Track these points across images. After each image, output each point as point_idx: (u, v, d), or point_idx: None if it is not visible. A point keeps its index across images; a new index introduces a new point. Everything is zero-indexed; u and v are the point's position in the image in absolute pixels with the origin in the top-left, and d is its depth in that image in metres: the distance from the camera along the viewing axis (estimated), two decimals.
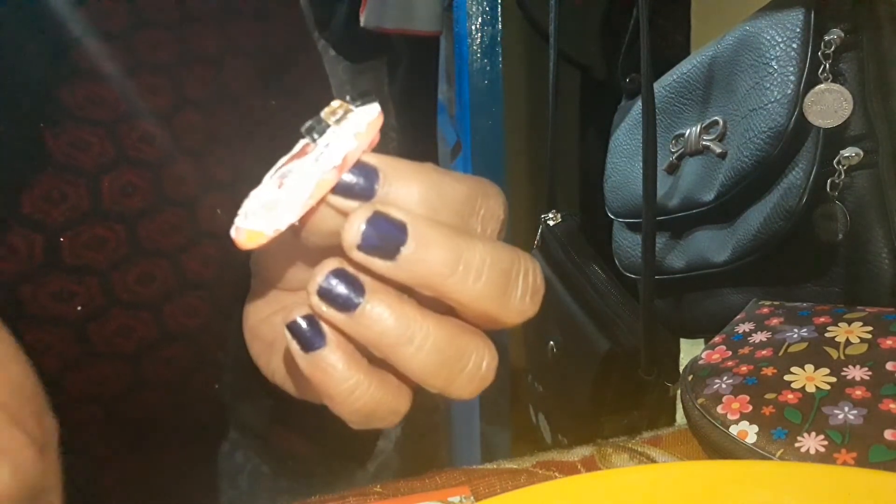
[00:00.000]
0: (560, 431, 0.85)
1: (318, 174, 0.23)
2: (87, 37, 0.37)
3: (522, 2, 1.02)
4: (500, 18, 1.00)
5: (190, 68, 0.40)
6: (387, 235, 0.23)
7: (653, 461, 0.38)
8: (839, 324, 0.39)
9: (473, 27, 1.00)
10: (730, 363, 0.40)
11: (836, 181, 0.48)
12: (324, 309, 0.24)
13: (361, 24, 1.20)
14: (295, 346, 0.25)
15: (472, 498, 0.35)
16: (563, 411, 0.84)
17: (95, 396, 0.40)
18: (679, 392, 0.42)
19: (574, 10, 0.93)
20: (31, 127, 0.37)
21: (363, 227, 0.23)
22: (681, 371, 0.44)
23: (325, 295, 0.24)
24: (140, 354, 0.40)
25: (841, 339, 0.38)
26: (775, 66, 0.50)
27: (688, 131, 0.59)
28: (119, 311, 0.39)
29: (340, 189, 0.23)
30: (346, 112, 0.24)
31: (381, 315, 0.24)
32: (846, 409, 0.34)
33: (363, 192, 0.24)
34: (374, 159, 0.24)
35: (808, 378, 0.36)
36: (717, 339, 0.43)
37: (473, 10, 1.00)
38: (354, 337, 0.24)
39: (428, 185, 0.24)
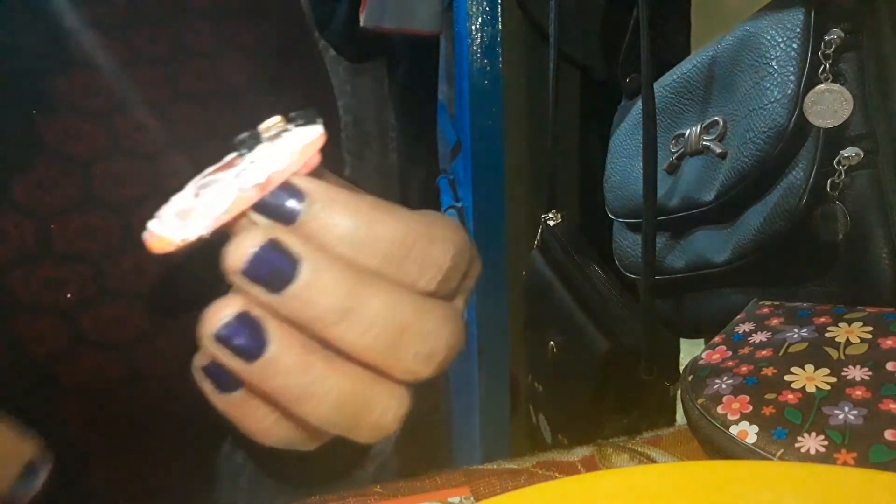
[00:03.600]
0: (560, 431, 0.85)
1: (237, 190, 0.22)
2: (83, 27, 0.38)
3: (522, 2, 1.02)
4: (500, 18, 1.00)
5: (185, 61, 0.41)
6: (276, 267, 0.21)
7: (653, 461, 0.38)
8: (839, 324, 0.39)
9: (473, 27, 1.00)
10: (730, 363, 0.40)
11: (836, 181, 0.48)
12: (221, 357, 0.22)
13: (361, 24, 1.20)
14: (208, 387, 0.24)
15: (472, 498, 0.35)
16: (563, 411, 0.84)
17: (88, 388, 0.40)
18: (679, 392, 0.42)
19: (574, 10, 0.93)
20: (24, 114, 0.37)
21: (251, 252, 0.21)
22: (681, 371, 0.44)
23: (225, 342, 0.22)
24: (133, 345, 0.40)
25: (841, 339, 0.38)
26: (775, 66, 0.50)
27: (688, 131, 0.59)
28: (111, 301, 0.39)
29: (261, 208, 0.22)
30: (282, 130, 0.23)
31: (282, 369, 0.22)
32: (846, 409, 0.34)
33: (284, 215, 0.22)
34: (304, 183, 0.22)
35: (809, 378, 0.36)
36: (717, 339, 0.43)
37: (473, 10, 1.00)
38: (253, 386, 0.23)
39: (357, 220, 0.23)
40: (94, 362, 0.39)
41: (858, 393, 0.35)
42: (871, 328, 0.38)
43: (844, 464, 0.32)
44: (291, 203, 0.22)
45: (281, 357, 0.22)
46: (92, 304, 0.38)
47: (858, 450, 0.32)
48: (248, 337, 0.22)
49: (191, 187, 0.24)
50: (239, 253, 0.22)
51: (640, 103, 0.60)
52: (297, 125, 0.24)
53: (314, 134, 0.23)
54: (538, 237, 0.88)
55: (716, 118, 0.57)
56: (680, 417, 0.75)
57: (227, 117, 0.42)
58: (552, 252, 0.84)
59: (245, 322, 0.22)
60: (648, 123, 0.57)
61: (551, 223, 0.85)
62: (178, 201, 0.23)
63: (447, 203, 1.15)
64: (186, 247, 0.22)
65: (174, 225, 0.22)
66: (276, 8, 0.46)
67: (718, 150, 0.55)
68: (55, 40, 0.38)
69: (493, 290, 1.06)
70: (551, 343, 0.83)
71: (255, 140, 0.23)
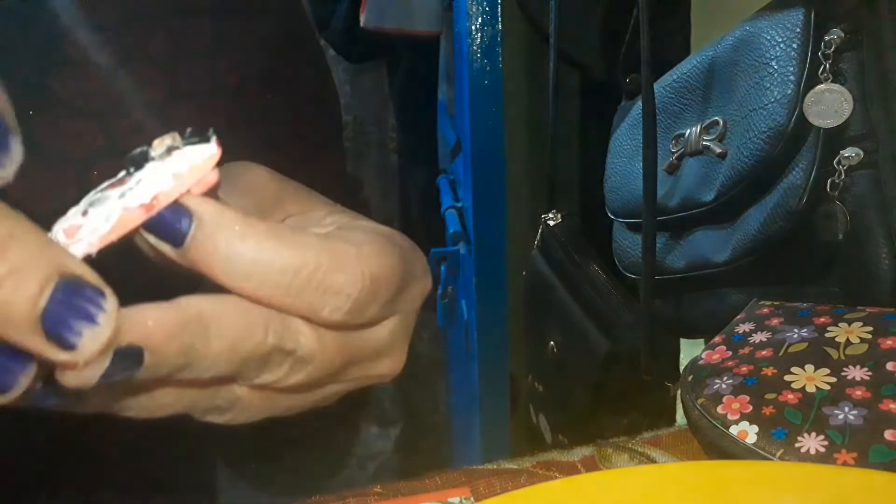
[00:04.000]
0: (560, 431, 0.85)
1: (123, 210, 0.21)
2: (78, 28, 0.37)
3: (522, 2, 1.02)
4: (500, 18, 1.00)
5: (182, 61, 0.40)
6: (123, 370, 0.20)
7: (653, 461, 0.38)
8: (839, 324, 0.39)
9: (473, 27, 1.00)
10: (730, 363, 0.40)
11: (837, 181, 0.48)
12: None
13: (361, 24, 1.20)
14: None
15: (471, 498, 0.35)
16: (563, 411, 0.84)
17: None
18: (679, 392, 0.42)
19: (574, 10, 0.93)
20: (20, 115, 0.37)
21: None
22: (681, 371, 0.44)
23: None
24: None
25: (841, 339, 0.38)
26: (775, 66, 0.50)
27: (688, 131, 0.59)
28: None
29: (150, 228, 0.22)
30: (173, 148, 0.23)
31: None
32: (846, 409, 0.34)
33: (172, 237, 0.22)
34: (194, 204, 0.22)
35: (809, 378, 0.36)
36: (717, 339, 0.43)
37: (473, 10, 1.00)
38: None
39: (246, 246, 0.22)
40: None
41: (858, 393, 0.35)
42: (871, 328, 0.38)
43: (844, 464, 0.32)
44: (179, 224, 0.22)
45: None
46: None
47: (858, 450, 0.32)
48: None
49: (83, 203, 0.23)
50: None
51: (640, 103, 0.60)
52: (190, 143, 0.23)
53: (207, 153, 0.22)
54: (538, 237, 0.88)
55: (716, 118, 0.57)
56: (680, 417, 0.75)
57: (226, 116, 0.42)
58: (552, 252, 0.84)
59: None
60: (648, 123, 0.57)
61: (551, 223, 0.85)
62: (68, 216, 0.23)
63: (447, 203, 1.15)
64: None
65: (62, 242, 0.22)
66: (275, 4, 0.46)
67: (718, 150, 0.55)
68: (51, 40, 0.37)
69: (493, 290, 1.06)
70: (551, 343, 0.83)
71: (145, 158, 0.23)
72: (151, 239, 0.22)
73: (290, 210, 0.28)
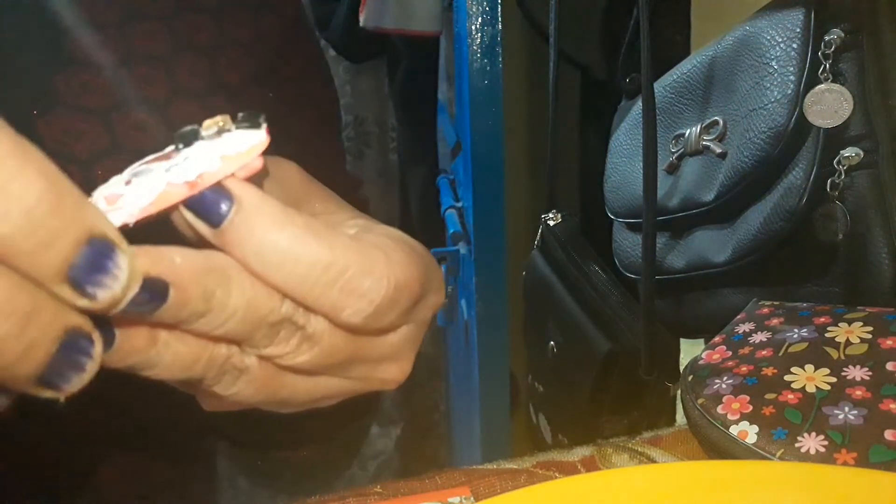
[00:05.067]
0: (560, 431, 0.85)
1: (165, 184, 0.22)
2: (81, 26, 0.37)
3: (522, 2, 1.02)
4: (500, 18, 1.00)
5: (184, 59, 0.40)
6: (149, 301, 0.21)
7: (653, 461, 0.38)
8: (839, 324, 0.39)
9: (473, 27, 1.00)
10: (730, 363, 0.40)
11: (836, 181, 0.48)
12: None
13: (361, 24, 1.20)
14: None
15: (472, 498, 0.35)
16: (563, 411, 0.84)
17: (86, 388, 0.40)
18: (679, 392, 0.42)
19: (574, 10, 0.93)
20: (23, 115, 0.37)
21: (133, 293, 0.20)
22: (681, 371, 0.44)
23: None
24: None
25: (841, 339, 0.38)
26: (775, 66, 0.50)
27: (688, 131, 0.59)
28: None
29: (190, 206, 0.22)
30: (224, 130, 0.23)
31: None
32: (846, 409, 0.34)
33: (210, 217, 0.22)
34: (236, 187, 0.22)
35: (809, 378, 0.36)
36: (717, 339, 0.43)
37: (473, 10, 1.00)
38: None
39: (281, 236, 0.22)
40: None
41: (858, 393, 0.35)
42: (871, 328, 0.38)
43: (844, 464, 0.32)
44: (219, 206, 0.22)
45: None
46: None
47: (858, 450, 0.32)
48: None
49: (127, 172, 0.23)
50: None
51: (640, 103, 0.60)
52: (241, 127, 0.23)
53: (256, 139, 0.23)
54: (538, 237, 0.88)
55: (716, 118, 0.57)
56: (680, 417, 0.75)
57: (227, 114, 0.42)
58: (552, 252, 0.84)
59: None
60: (648, 123, 0.57)
61: (551, 223, 0.85)
62: (111, 184, 0.23)
63: (447, 203, 1.15)
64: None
65: (101, 208, 0.22)
66: (276, 4, 0.46)
67: (718, 150, 0.55)
68: (53, 39, 0.38)
69: (493, 290, 1.06)
70: (551, 343, 0.83)
71: (195, 136, 0.23)
72: (189, 217, 0.22)
73: (316, 209, 0.28)
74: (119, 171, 0.24)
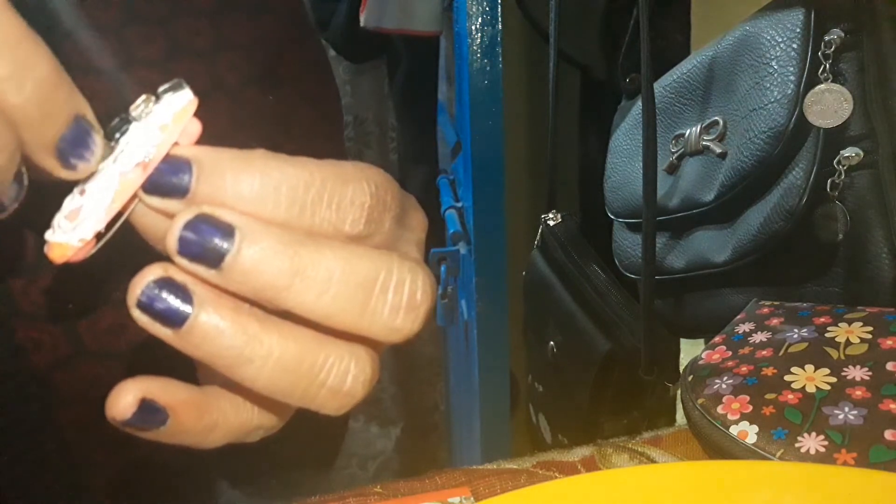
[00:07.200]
0: (560, 431, 0.85)
1: (120, 175, 0.21)
2: (79, 30, 0.37)
3: (522, 2, 1.02)
4: (500, 18, 1.00)
5: (182, 62, 0.40)
6: (209, 241, 0.21)
7: (653, 461, 0.38)
8: (839, 324, 0.39)
9: (473, 27, 1.00)
10: (730, 363, 0.40)
11: (836, 181, 0.48)
12: (148, 327, 0.22)
13: (361, 24, 1.20)
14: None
15: (472, 498, 0.35)
16: (563, 411, 0.84)
17: (87, 396, 0.40)
18: (679, 392, 0.42)
19: (574, 10, 0.93)
20: None
21: (181, 231, 0.21)
22: (681, 371, 0.44)
23: (147, 309, 0.21)
24: (132, 354, 0.40)
25: (841, 339, 0.38)
26: (775, 66, 0.50)
27: (688, 131, 0.59)
28: (110, 310, 0.39)
29: (150, 189, 0.22)
30: (149, 104, 0.22)
31: (212, 332, 0.21)
32: (846, 409, 0.34)
33: (175, 189, 0.21)
34: (186, 151, 0.22)
35: (809, 378, 0.36)
36: (717, 339, 0.43)
37: (473, 10, 1.00)
38: (189, 354, 0.22)
39: (251, 173, 0.21)
40: (93, 371, 0.39)
41: (858, 393, 0.35)
42: (871, 328, 0.38)
43: (844, 464, 0.32)
44: (178, 175, 0.21)
45: (208, 322, 0.21)
46: (91, 312, 0.38)
47: (858, 450, 0.32)
48: (170, 301, 0.21)
49: (76, 188, 0.23)
50: (171, 235, 0.21)
51: (640, 103, 0.60)
52: (165, 95, 0.23)
53: (184, 99, 0.22)
54: (538, 237, 0.88)
55: (716, 118, 0.57)
56: (680, 417, 0.75)
57: (227, 116, 0.42)
58: (552, 252, 0.84)
59: (166, 286, 0.21)
60: (648, 123, 0.57)
61: (551, 223, 0.86)
62: (65, 204, 0.22)
63: (447, 203, 1.15)
64: (89, 247, 0.22)
65: (67, 229, 0.22)
66: (276, 4, 0.46)
67: (718, 150, 0.55)
68: (51, 42, 0.37)
69: (493, 290, 1.06)
70: (551, 343, 0.83)
71: (126, 122, 0.22)
72: (155, 201, 0.22)
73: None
74: None
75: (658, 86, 0.63)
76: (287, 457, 0.49)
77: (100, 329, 0.39)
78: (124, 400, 0.22)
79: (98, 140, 0.21)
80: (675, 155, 0.61)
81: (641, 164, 0.58)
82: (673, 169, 0.62)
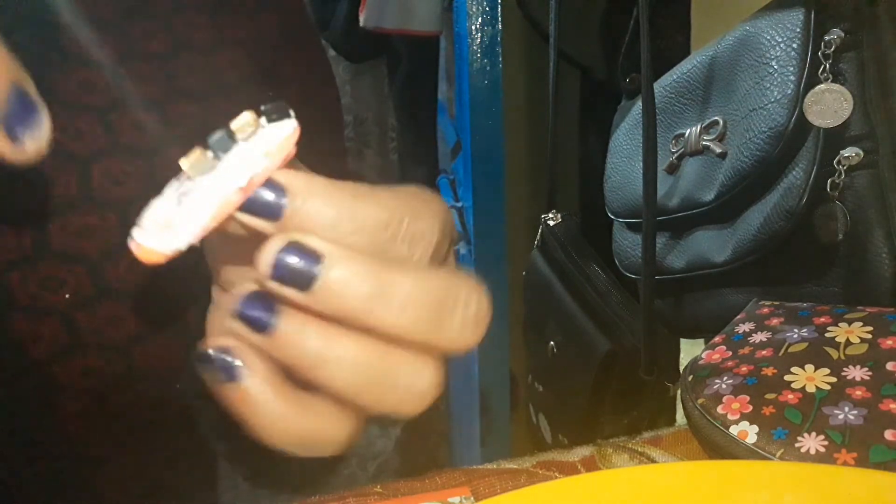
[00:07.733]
0: (560, 431, 0.85)
1: (221, 196, 0.22)
2: (79, 23, 0.37)
3: (522, 2, 1.02)
4: (500, 18, 1.00)
5: (183, 57, 0.40)
6: (300, 266, 0.22)
7: (653, 461, 0.38)
8: (839, 324, 0.39)
9: (473, 27, 1.00)
10: (730, 363, 0.40)
11: (836, 181, 0.48)
12: (243, 331, 0.23)
13: (361, 24, 1.20)
14: (214, 377, 0.24)
15: (472, 498, 0.35)
16: (563, 411, 0.84)
17: (86, 388, 0.40)
18: (679, 392, 0.42)
19: (574, 10, 0.93)
20: None
21: (274, 257, 0.22)
22: (681, 371, 0.44)
23: (243, 318, 0.23)
24: (130, 345, 0.40)
25: (841, 339, 0.38)
26: (775, 66, 0.50)
27: (688, 131, 0.59)
28: (108, 301, 0.39)
29: (245, 208, 0.23)
30: (256, 127, 0.23)
31: (295, 337, 0.23)
32: (846, 409, 0.34)
33: (268, 212, 0.23)
34: (283, 177, 0.23)
35: (809, 378, 0.36)
36: (717, 339, 0.43)
37: (473, 10, 1.00)
38: (276, 358, 0.24)
39: (340, 208, 0.23)
40: (92, 363, 0.39)
41: (858, 393, 0.35)
42: (871, 328, 0.38)
43: (844, 464, 0.32)
44: (273, 199, 0.23)
45: (291, 328, 0.23)
46: (89, 304, 0.38)
47: (858, 450, 0.32)
48: (261, 309, 0.23)
49: (171, 192, 0.24)
50: (264, 260, 0.22)
51: (640, 103, 0.60)
52: (271, 120, 0.24)
53: (289, 128, 0.23)
54: (538, 237, 0.88)
55: (716, 118, 0.57)
56: (680, 417, 0.75)
57: (226, 113, 0.42)
58: (552, 252, 0.84)
59: (258, 298, 0.23)
60: (648, 123, 0.57)
61: (551, 223, 0.86)
62: (160, 209, 0.23)
63: (447, 203, 1.15)
64: (176, 256, 0.23)
65: (161, 236, 0.22)
66: (276, 3, 0.46)
67: (718, 150, 0.55)
68: (51, 37, 0.37)
69: (494, 290, 1.06)
70: (551, 343, 0.83)
71: (231, 140, 0.23)
72: (246, 218, 0.23)
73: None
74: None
75: (658, 86, 0.63)
76: (288, 456, 0.49)
77: (97, 321, 0.39)
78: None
79: (44, 114, 0.21)
80: (675, 155, 0.61)
81: (641, 164, 0.58)
82: (673, 169, 0.62)
